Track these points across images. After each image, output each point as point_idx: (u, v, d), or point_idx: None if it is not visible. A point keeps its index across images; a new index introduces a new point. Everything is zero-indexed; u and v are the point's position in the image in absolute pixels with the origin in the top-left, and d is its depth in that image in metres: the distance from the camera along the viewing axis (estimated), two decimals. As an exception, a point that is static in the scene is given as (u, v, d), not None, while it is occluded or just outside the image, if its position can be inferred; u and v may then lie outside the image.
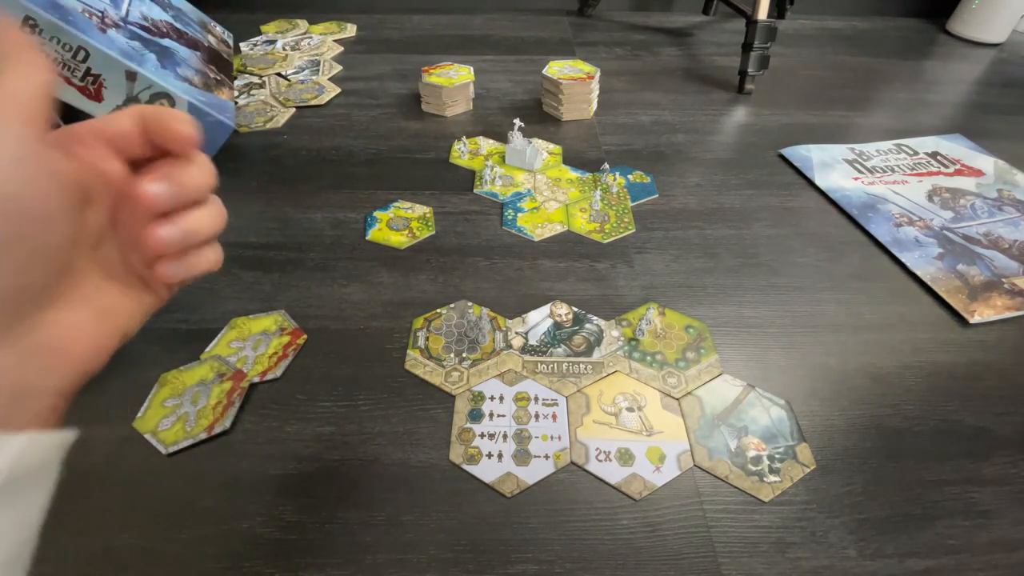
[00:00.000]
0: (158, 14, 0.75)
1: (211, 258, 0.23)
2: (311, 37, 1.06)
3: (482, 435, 0.44)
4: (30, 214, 0.16)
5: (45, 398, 0.18)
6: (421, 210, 0.66)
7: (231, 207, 0.23)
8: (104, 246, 0.21)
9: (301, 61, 0.98)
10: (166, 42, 0.71)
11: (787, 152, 0.78)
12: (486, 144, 0.78)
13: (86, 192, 0.20)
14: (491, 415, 0.45)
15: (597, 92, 0.84)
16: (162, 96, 0.65)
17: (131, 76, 0.62)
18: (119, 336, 0.21)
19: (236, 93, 0.87)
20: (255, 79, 0.92)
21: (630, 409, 0.46)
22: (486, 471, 0.42)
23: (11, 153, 0.15)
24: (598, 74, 0.82)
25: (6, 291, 0.16)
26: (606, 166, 0.72)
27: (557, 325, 0.53)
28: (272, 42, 1.04)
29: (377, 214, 0.65)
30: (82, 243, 0.20)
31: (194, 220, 0.21)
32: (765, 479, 0.42)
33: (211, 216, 0.22)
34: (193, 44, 0.78)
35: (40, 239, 0.17)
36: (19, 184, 0.15)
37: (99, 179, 0.20)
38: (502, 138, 0.77)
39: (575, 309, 0.54)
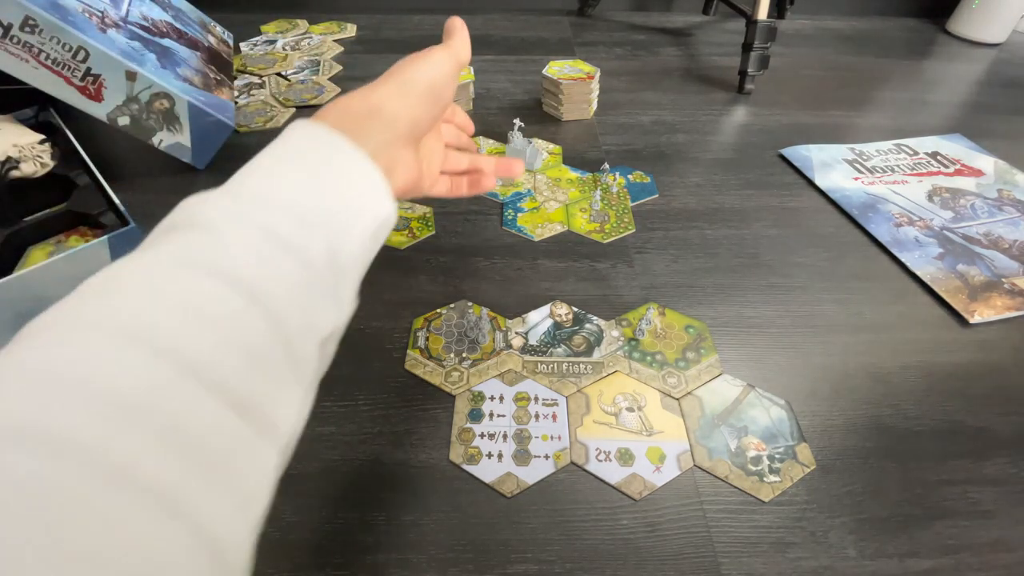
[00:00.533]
0: (158, 14, 0.75)
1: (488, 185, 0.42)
2: (311, 37, 1.06)
3: (482, 435, 0.44)
4: (447, 94, 0.33)
5: (396, 190, 0.30)
6: (421, 210, 0.66)
7: (231, 207, 0.23)
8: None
9: (301, 61, 0.98)
10: (166, 42, 0.71)
11: (787, 152, 0.78)
12: (486, 144, 0.78)
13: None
14: (491, 415, 0.45)
15: (597, 92, 0.84)
16: (162, 96, 0.65)
17: (131, 76, 0.62)
18: (414, 187, 0.33)
19: (236, 93, 0.87)
20: (255, 79, 0.92)
21: (630, 409, 0.46)
22: (486, 471, 0.42)
23: (451, 71, 0.33)
24: (598, 74, 0.82)
25: (430, 121, 0.32)
26: (606, 166, 0.72)
27: (557, 325, 0.53)
28: (272, 42, 1.03)
29: (377, 214, 0.65)
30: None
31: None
32: (765, 479, 0.42)
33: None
34: (193, 44, 0.78)
35: (443, 105, 0.33)
36: (449, 82, 0.33)
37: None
38: (502, 138, 0.77)
39: (575, 309, 0.54)
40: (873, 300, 0.56)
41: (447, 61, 0.32)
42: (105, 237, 0.49)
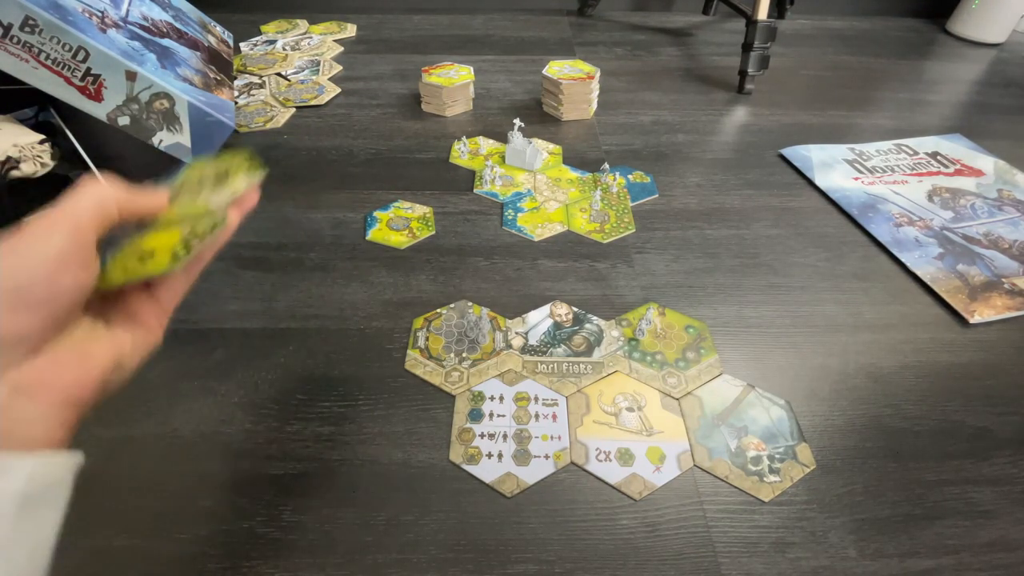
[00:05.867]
0: (158, 14, 0.75)
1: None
2: (311, 37, 1.06)
3: (482, 435, 0.44)
4: (58, 294, 0.21)
5: (39, 424, 0.21)
6: (421, 210, 0.66)
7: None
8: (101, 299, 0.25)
9: (301, 61, 0.98)
10: (166, 42, 0.71)
11: (787, 152, 0.78)
12: (486, 144, 0.78)
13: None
14: (491, 415, 0.45)
15: (597, 92, 0.84)
16: (162, 96, 0.65)
17: (131, 76, 0.62)
18: (106, 369, 0.24)
19: (236, 93, 0.87)
20: (255, 79, 0.92)
21: (630, 409, 0.46)
22: (486, 471, 0.42)
23: (56, 252, 0.21)
24: (598, 74, 0.82)
25: (40, 331, 0.21)
26: (606, 166, 0.72)
27: (557, 325, 0.53)
28: (272, 42, 1.03)
29: (377, 214, 0.65)
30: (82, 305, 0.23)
31: None
32: (765, 479, 0.42)
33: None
34: (193, 44, 0.78)
35: (58, 310, 0.21)
36: (58, 273, 0.21)
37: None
38: (502, 138, 0.77)
39: (575, 309, 0.54)
40: (873, 300, 0.56)
41: (55, 239, 0.21)
42: (105, 237, 0.49)
